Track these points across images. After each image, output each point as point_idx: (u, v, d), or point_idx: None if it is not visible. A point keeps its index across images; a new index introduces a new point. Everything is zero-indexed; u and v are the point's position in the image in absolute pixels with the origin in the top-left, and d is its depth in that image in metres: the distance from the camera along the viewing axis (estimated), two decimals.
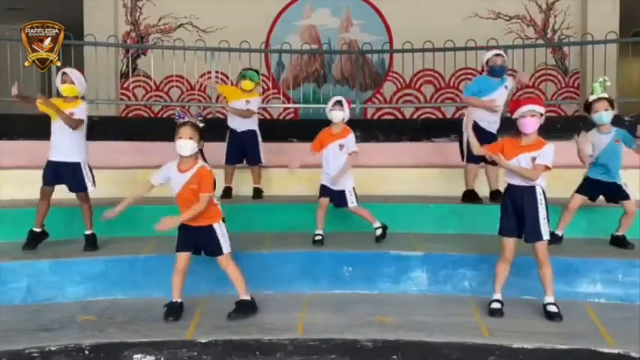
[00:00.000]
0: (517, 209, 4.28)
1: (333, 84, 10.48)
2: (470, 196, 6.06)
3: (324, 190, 5.38)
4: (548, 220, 4.26)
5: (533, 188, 4.25)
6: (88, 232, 5.19)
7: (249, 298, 4.37)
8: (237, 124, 6.51)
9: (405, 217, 5.88)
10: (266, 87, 10.00)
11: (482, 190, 6.09)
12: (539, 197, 4.25)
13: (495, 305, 4.40)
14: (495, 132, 5.97)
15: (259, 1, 10.36)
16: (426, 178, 6.60)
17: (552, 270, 4.31)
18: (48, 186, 5.13)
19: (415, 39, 8.81)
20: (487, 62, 6.00)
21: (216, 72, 8.82)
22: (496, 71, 5.92)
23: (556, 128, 7.62)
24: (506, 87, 6.00)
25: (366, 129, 7.82)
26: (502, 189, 4.72)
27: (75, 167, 5.11)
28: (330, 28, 10.76)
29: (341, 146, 5.32)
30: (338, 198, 5.37)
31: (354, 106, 8.72)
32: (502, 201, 4.41)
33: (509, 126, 4.65)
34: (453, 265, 4.96)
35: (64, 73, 5.13)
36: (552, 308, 4.30)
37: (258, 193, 6.54)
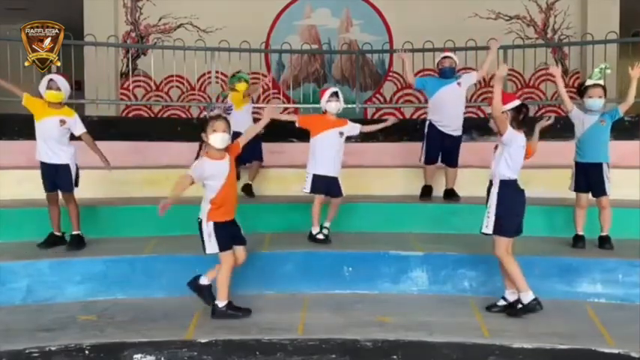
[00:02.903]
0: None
1: (333, 84, 10.46)
2: (427, 192, 6.28)
3: (319, 183, 5.32)
4: (496, 216, 4.19)
5: (491, 182, 4.28)
6: (75, 233, 5.21)
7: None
8: (241, 125, 6.44)
9: (405, 217, 5.89)
10: (266, 87, 9.98)
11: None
12: (494, 190, 4.23)
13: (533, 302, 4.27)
14: (456, 135, 6.16)
15: (259, 1, 10.35)
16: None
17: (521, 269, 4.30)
18: (51, 192, 5.17)
19: (415, 39, 8.80)
20: (437, 65, 6.29)
21: (217, 72, 8.81)
22: (445, 73, 6.17)
23: (556, 128, 7.61)
24: (459, 84, 6.16)
25: None
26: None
27: (65, 168, 5.15)
28: (330, 28, 10.74)
29: (341, 134, 5.38)
30: (331, 186, 5.34)
31: (354, 105, 8.74)
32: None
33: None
34: (453, 265, 4.96)
35: (50, 80, 5.14)
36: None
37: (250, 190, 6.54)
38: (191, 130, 7.87)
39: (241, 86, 6.61)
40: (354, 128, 5.47)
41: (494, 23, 10.34)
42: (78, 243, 5.15)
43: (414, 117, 9.46)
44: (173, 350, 3.93)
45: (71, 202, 5.21)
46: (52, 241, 5.18)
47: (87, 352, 3.86)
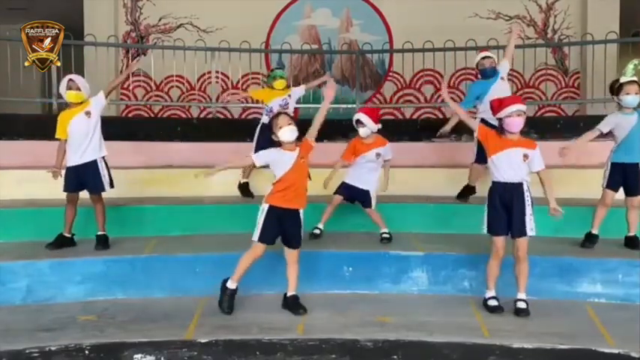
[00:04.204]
0: (506, 206, 4.35)
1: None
2: (468, 191, 6.18)
3: (344, 188, 5.49)
4: (533, 217, 4.33)
5: (521, 185, 4.33)
6: (100, 233, 5.20)
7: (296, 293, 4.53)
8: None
9: (405, 217, 5.89)
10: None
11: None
12: (527, 193, 4.34)
13: (493, 302, 4.43)
14: None
15: (259, 1, 10.35)
16: (426, 178, 6.60)
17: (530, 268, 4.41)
18: (73, 193, 5.15)
19: (415, 39, 8.81)
20: (477, 66, 6.19)
21: (217, 72, 8.82)
22: (487, 73, 6.08)
23: (556, 128, 7.62)
24: (502, 78, 6.07)
25: None
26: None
27: (93, 165, 5.12)
28: (330, 28, 10.75)
29: (377, 155, 5.50)
30: (362, 197, 5.50)
31: (354, 105, 8.74)
32: (488, 199, 4.46)
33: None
34: (453, 265, 4.96)
35: (70, 80, 5.12)
36: (521, 304, 4.35)
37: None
38: (191, 130, 7.95)
39: (278, 84, 6.58)
40: (388, 152, 5.59)
41: (494, 23, 10.33)
42: (104, 243, 5.16)
43: (414, 117, 9.47)
44: (173, 350, 3.93)
45: (100, 202, 5.20)
46: (60, 242, 5.14)
47: (87, 352, 3.86)
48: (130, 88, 10.23)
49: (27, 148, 6.50)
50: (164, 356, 3.92)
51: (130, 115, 10.25)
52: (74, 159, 5.09)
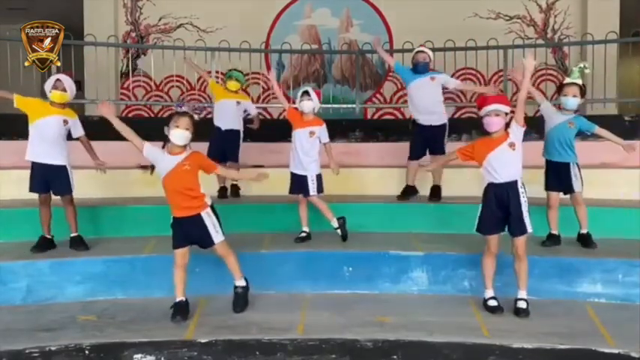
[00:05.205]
0: (502, 205, 4.33)
1: (333, 84, 10.47)
2: (409, 192, 6.23)
3: (292, 183, 5.42)
4: (529, 214, 4.33)
5: (515, 183, 4.31)
6: (74, 235, 5.19)
7: (244, 283, 4.46)
8: (223, 122, 6.49)
9: (405, 217, 5.89)
10: (266, 87, 10.00)
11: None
12: (521, 191, 4.32)
13: (493, 303, 4.42)
14: (439, 125, 6.07)
15: (259, 1, 10.36)
16: (426, 178, 6.59)
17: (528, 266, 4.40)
18: (44, 194, 5.13)
19: (415, 39, 8.80)
20: (412, 58, 6.24)
21: (217, 72, 8.81)
22: (418, 69, 6.13)
23: None
24: (432, 78, 6.09)
25: (366, 129, 7.82)
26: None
27: (63, 170, 5.12)
28: (330, 28, 10.75)
29: (311, 133, 5.38)
30: (299, 184, 5.38)
31: (354, 105, 8.75)
32: (483, 200, 4.43)
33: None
34: (453, 265, 4.96)
35: (57, 80, 5.11)
36: (522, 304, 4.35)
37: (235, 191, 6.51)
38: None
39: (232, 85, 6.59)
40: (324, 134, 5.46)
41: (494, 23, 10.34)
42: (80, 244, 5.13)
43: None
44: (173, 350, 3.93)
45: (70, 204, 5.18)
46: (44, 245, 5.12)
47: (87, 352, 3.86)
48: (130, 88, 10.24)
49: (27, 148, 6.48)
50: (164, 356, 3.92)
51: (130, 115, 10.24)
52: (43, 157, 5.06)
